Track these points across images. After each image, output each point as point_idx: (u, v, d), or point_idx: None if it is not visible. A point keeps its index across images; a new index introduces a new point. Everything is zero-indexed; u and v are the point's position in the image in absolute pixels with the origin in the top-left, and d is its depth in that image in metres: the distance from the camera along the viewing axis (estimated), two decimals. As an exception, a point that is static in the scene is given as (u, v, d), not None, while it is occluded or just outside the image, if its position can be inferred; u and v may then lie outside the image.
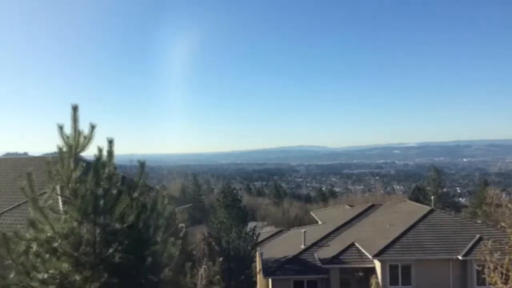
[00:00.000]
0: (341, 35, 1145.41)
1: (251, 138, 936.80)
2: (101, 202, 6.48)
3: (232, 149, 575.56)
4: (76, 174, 6.49)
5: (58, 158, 6.56)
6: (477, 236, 23.02)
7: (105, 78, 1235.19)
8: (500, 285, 11.34)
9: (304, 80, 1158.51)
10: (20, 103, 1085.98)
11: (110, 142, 6.89)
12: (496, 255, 11.81)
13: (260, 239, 31.27)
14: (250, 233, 30.42)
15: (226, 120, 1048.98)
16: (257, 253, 29.31)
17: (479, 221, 28.29)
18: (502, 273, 11.48)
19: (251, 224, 36.32)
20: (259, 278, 28.40)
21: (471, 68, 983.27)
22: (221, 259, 29.56)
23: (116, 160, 6.94)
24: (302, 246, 26.46)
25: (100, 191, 6.50)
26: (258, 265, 28.76)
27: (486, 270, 11.88)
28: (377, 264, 22.99)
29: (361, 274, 24.25)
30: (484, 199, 42.76)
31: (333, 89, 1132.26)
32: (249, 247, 29.79)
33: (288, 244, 28.76)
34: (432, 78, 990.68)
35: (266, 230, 40.67)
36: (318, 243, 26.87)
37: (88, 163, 7.00)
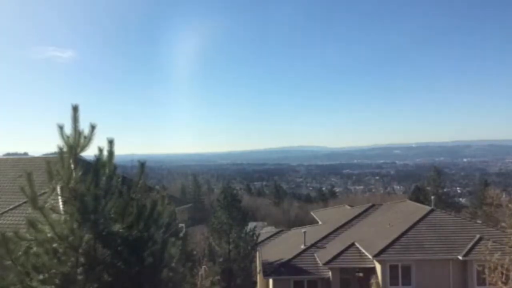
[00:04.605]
0: (340, 35, 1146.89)
1: (251, 138, 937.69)
2: (101, 202, 6.47)
3: (232, 149, 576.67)
4: (77, 174, 6.48)
5: (58, 158, 6.54)
6: (477, 236, 23.03)
7: (105, 78, 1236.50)
8: (501, 285, 11.34)
9: (304, 80, 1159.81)
10: (20, 103, 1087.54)
11: (111, 142, 6.87)
12: (497, 255, 11.81)
13: (260, 239, 31.28)
14: (250, 234, 30.43)
15: (226, 120, 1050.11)
16: (257, 253, 29.31)
17: (479, 221, 28.30)
18: (502, 273, 11.48)
19: (251, 225, 36.26)
20: (259, 278, 28.40)
21: (471, 68, 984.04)
22: (221, 259, 29.60)
23: (116, 161, 6.93)
24: (302, 246, 26.47)
25: (100, 191, 6.49)
26: (258, 265, 28.77)
27: (486, 270, 11.88)
28: (377, 264, 22.99)
29: (361, 274, 24.26)
30: (484, 199, 42.75)
31: (333, 89, 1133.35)
32: (249, 247, 29.80)
33: (288, 244, 28.76)
34: (432, 78, 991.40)
35: (266, 230, 40.70)
36: (318, 243, 26.89)
37: (88, 164, 7.00)
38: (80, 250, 6.29)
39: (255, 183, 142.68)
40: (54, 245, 6.17)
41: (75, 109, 6.55)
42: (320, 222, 34.13)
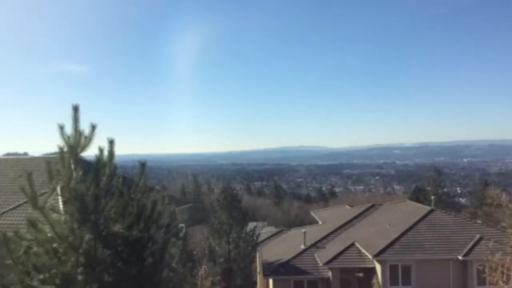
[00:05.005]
0: (341, 35, 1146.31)
1: (251, 138, 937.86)
2: (102, 202, 6.47)
3: (232, 149, 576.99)
4: (77, 174, 6.48)
5: (58, 158, 6.54)
6: (477, 236, 23.02)
7: (106, 78, 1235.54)
8: (502, 284, 11.34)
9: (304, 80, 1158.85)
10: (20, 103, 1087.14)
11: (111, 142, 6.87)
12: (497, 255, 11.81)
13: (260, 239, 31.28)
14: (250, 234, 30.44)
15: (226, 120, 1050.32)
16: (257, 254, 29.31)
17: (479, 221, 28.28)
18: (503, 273, 11.48)
19: (251, 225, 36.31)
20: (259, 278, 28.40)
21: (471, 68, 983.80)
22: (221, 259, 29.62)
23: (117, 161, 6.92)
24: (302, 246, 26.45)
25: (100, 191, 6.48)
26: (258, 265, 28.77)
27: (487, 270, 11.88)
28: (377, 264, 22.98)
29: (361, 274, 24.25)
30: (484, 199, 42.72)
31: (333, 89, 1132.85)
32: (249, 248, 29.82)
33: (288, 245, 28.75)
34: (432, 78, 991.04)
35: (266, 230, 40.67)
36: (318, 243, 26.87)
37: (88, 164, 6.99)
38: (80, 250, 6.29)
39: (255, 183, 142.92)
40: (54, 245, 6.17)
41: (75, 109, 6.55)
42: (320, 222, 34.12)
